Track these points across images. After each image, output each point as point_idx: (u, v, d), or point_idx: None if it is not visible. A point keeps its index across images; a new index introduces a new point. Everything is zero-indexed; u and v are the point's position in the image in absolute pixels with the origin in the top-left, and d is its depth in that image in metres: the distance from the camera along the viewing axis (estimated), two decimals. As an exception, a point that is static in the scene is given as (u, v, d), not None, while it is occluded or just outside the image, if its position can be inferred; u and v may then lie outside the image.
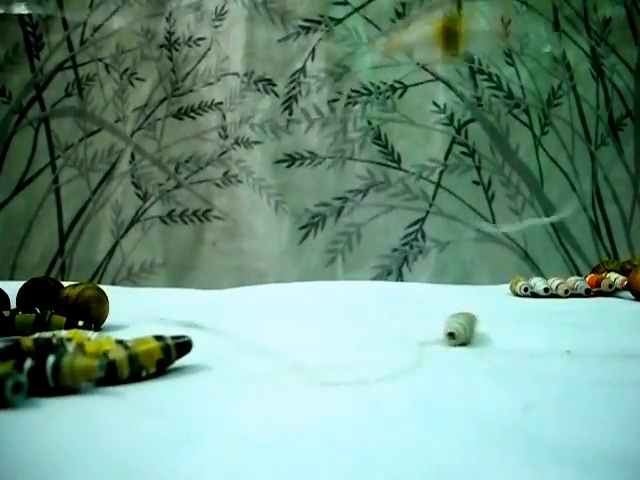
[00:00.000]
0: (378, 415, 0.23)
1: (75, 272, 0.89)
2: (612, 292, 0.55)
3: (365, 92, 0.84)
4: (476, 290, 0.64)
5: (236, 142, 0.86)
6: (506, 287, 0.59)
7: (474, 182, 0.85)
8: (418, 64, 0.84)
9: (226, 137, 0.87)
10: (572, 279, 0.56)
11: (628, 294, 0.54)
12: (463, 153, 0.84)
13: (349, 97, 0.84)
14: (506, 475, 0.18)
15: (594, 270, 0.63)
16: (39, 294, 0.42)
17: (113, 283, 0.88)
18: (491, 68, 0.85)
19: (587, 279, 0.56)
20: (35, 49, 0.91)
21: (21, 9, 0.87)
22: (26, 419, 0.23)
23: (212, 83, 0.87)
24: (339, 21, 0.84)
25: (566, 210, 0.82)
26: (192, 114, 0.88)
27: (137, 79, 0.90)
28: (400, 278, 0.83)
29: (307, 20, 0.84)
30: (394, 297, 0.59)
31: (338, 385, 0.27)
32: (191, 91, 0.88)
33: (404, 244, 0.83)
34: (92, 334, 0.32)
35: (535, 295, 0.55)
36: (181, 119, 0.89)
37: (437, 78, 0.84)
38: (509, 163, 0.85)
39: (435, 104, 0.84)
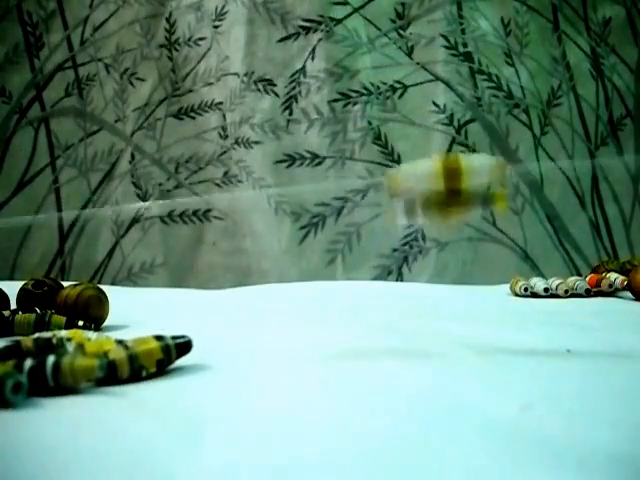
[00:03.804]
0: (378, 415, 0.23)
1: (75, 272, 0.89)
2: (612, 292, 0.55)
3: (365, 92, 0.84)
4: (476, 290, 0.64)
5: (236, 142, 0.86)
6: (506, 287, 0.59)
7: (474, 182, 0.85)
8: (418, 64, 0.84)
9: (226, 137, 0.87)
10: (572, 279, 0.56)
11: (628, 294, 0.54)
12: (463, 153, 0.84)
13: (349, 97, 0.84)
14: (505, 475, 0.18)
15: (594, 270, 0.63)
16: (39, 294, 0.42)
17: (113, 283, 0.88)
18: (491, 68, 0.85)
19: (587, 279, 0.56)
20: (35, 49, 0.91)
21: None
22: (26, 419, 0.23)
23: (212, 83, 0.87)
24: (339, 21, 0.84)
25: None
26: (192, 114, 0.88)
27: (137, 79, 0.90)
28: (400, 278, 0.83)
29: (307, 20, 0.84)
30: (394, 297, 0.59)
31: (338, 385, 0.27)
32: (191, 91, 0.88)
33: (404, 244, 0.83)
34: (92, 334, 0.32)
35: (535, 295, 0.55)
36: (181, 119, 0.89)
37: (437, 78, 0.84)
38: (509, 163, 0.85)
39: (435, 104, 0.84)
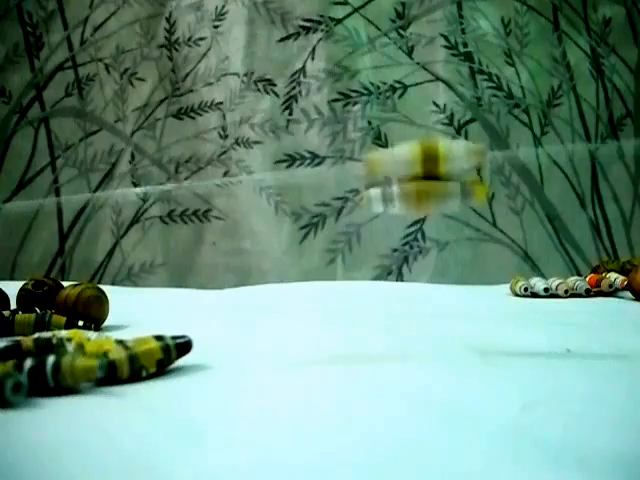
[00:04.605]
0: (378, 415, 0.23)
1: (75, 272, 0.89)
2: (612, 292, 0.55)
3: (365, 92, 0.84)
4: (476, 290, 0.64)
5: (236, 142, 0.86)
6: (506, 287, 0.59)
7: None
8: (418, 64, 0.84)
9: (226, 137, 0.87)
10: (572, 279, 0.56)
11: (628, 294, 0.54)
12: (463, 153, 0.84)
13: (349, 97, 0.84)
14: (505, 475, 0.18)
15: (594, 270, 0.63)
16: (39, 294, 0.42)
17: (113, 283, 0.88)
18: (491, 68, 0.85)
19: (587, 279, 0.56)
20: (35, 49, 0.91)
21: None
22: (26, 419, 0.23)
23: (212, 83, 0.87)
24: (339, 21, 0.84)
25: None
26: (192, 114, 0.88)
27: (137, 79, 0.90)
28: (400, 278, 0.83)
29: (307, 20, 0.84)
30: (394, 297, 0.59)
31: (338, 385, 0.27)
32: (191, 91, 0.88)
33: (404, 244, 0.83)
34: (92, 334, 0.32)
35: (535, 295, 0.55)
36: (181, 119, 0.89)
37: (437, 78, 0.84)
38: (509, 163, 0.85)
39: (435, 104, 0.84)
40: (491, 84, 0.85)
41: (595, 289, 0.55)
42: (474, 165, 0.29)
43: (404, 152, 0.29)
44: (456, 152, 0.29)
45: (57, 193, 0.91)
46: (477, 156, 0.29)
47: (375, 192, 0.29)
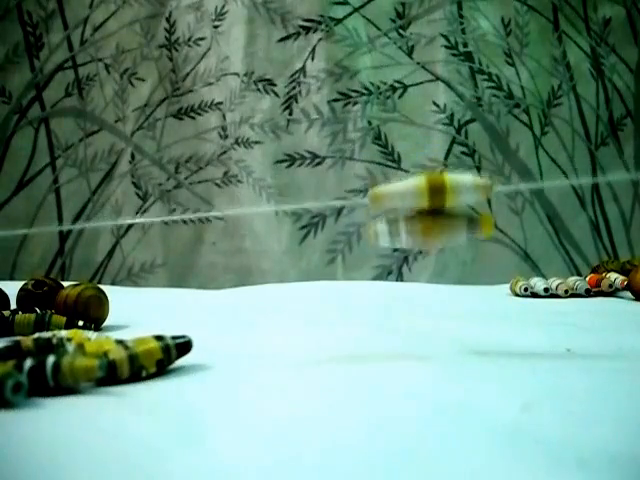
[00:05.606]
0: (378, 415, 0.23)
1: (75, 272, 0.89)
2: (612, 292, 0.55)
3: (365, 92, 0.84)
4: (476, 290, 0.64)
5: (236, 142, 0.86)
6: (506, 287, 0.59)
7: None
8: (418, 64, 0.84)
9: (226, 137, 0.87)
10: (572, 279, 0.56)
11: (628, 294, 0.54)
12: (463, 153, 0.84)
13: (349, 97, 0.84)
14: (505, 475, 0.18)
15: (594, 270, 0.63)
16: (39, 294, 0.42)
17: (113, 283, 0.88)
18: (491, 68, 0.85)
19: (587, 279, 0.56)
20: (35, 49, 0.91)
21: None
22: (26, 419, 0.23)
23: (212, 83, 0.87)
24: (339, 21, 0.84)
25: None
26: (192, 114, 0.88)
27: (137, 79, 0.90)
28: (400, 278, 0.83)
29: (307, 20, 0.84)
30: (394, 297, 0.59)
31: (338, 385, 0.27)
32: (191, 91, 0.88)
33: (404, 244, 0.83)
34: (92, 334, 0.32)
35: (535, 295, 0.55)
36: (181, 119, 0.89)
37: (437, 78, 0.84)
38: (509, 163, 0.85)
39: (435, 104, 0.84)
40: (491, 84, 0.85)
41: (595, 289, 0.55)
42: (480, 199, 0.29)
43: (410, 185, 0.29)
44: (462, 185, 0.29)
45: (57, 193, 0.91)
46: (483, 190, 0.29)
47: (382, 226, 0.29)
